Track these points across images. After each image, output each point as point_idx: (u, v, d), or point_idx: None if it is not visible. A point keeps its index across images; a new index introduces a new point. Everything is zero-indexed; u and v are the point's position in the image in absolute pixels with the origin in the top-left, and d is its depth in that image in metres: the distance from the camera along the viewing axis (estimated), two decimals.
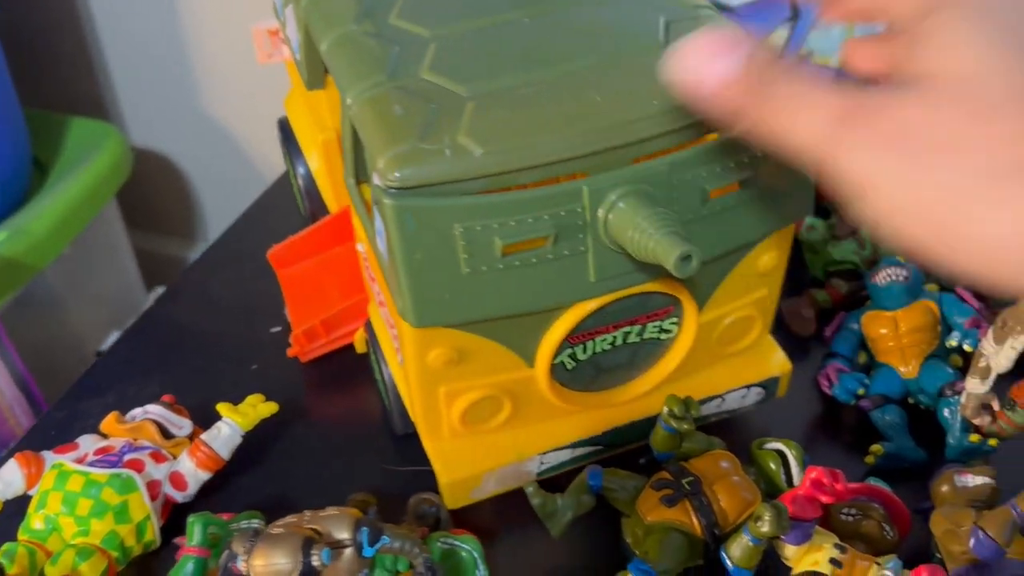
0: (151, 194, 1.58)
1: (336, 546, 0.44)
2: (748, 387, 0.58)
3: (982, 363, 0.52)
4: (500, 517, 0.57)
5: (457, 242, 0.43)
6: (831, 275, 0.70)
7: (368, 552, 0.44)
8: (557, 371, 0.52)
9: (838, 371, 0.60)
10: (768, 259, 0.53)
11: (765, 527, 0.44)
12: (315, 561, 0.43)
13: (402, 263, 0.43)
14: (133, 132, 1.55)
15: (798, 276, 0.71)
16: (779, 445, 0.52)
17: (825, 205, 0.72)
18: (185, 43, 1.37)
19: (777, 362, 0.59)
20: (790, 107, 0.27)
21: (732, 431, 0.58)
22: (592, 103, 0.44)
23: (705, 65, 0.29)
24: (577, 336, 0.50)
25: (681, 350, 0.55)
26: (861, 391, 0.59)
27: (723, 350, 0.58)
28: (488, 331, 0.48)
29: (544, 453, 0.56)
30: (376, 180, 0.42)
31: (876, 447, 0.56)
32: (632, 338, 0.53)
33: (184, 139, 1.51)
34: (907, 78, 0.27)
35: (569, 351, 0.51)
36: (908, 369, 0.59)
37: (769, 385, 0.59)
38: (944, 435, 0.57)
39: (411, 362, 0.50)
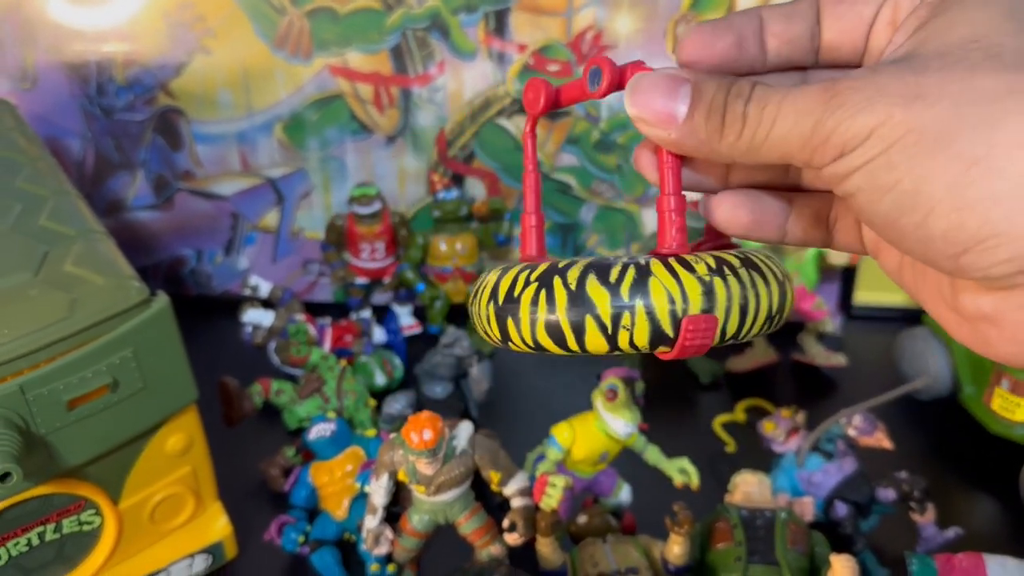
0: None
1: None
2: (192, 556, 0.64)
3: (372, 501, 0.62)
4: None
5: None
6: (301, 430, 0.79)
7: None
8: None
9: (280, 525, 0.68)
10: (176, 441, 0.60)
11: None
12: None
13: None
14: None
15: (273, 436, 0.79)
16: None
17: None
18: None
19: (219, 527, 0.66)
20: (763, 124, 0.26)
21: None
22: None
23: (656, 106, 0.27)
24: None
25: (110, 538, 0.60)
26: (302, 539, 0.67)
27: (162, 527, 0.63)
28: None
29: None
30: None
31: None
32: (51, 535, 0.57)
33: None
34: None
35: None
36: (341, 512, 0.68)
37: (214, 550, 0.65)
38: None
39: None
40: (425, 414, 0.56)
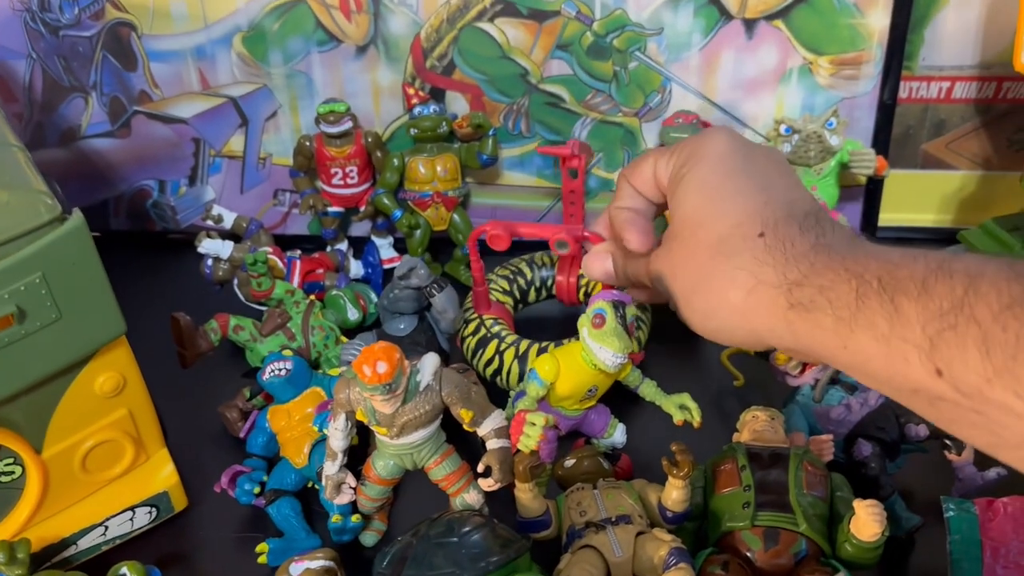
0: None
1: None
2: (132, 508, 0.57)
3: (330, 445, 0.55)
4: None
5: None
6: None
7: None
8: None
9: (234, 475, 0.61)
10: (106, 381, 0.53)
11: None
12: None
13: None
14: None
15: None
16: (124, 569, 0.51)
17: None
18: None
19: (163, 477, 0.59)
20: (639, 273, 0.47)
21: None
22: None
23: (598, 274, 0.50)
24: None
25: (34, 491, 0.53)
26: (257, 489, 0.60)
27: (96, 478, 0.56)
28: None
29: None
30: None
31: (262, 545, 0.57)
32: None
33: None
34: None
35: None
36: (301, 459, 0.61)
37: (158, 502, 0.59)
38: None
39: None
40: (379, 344, 0.49)
